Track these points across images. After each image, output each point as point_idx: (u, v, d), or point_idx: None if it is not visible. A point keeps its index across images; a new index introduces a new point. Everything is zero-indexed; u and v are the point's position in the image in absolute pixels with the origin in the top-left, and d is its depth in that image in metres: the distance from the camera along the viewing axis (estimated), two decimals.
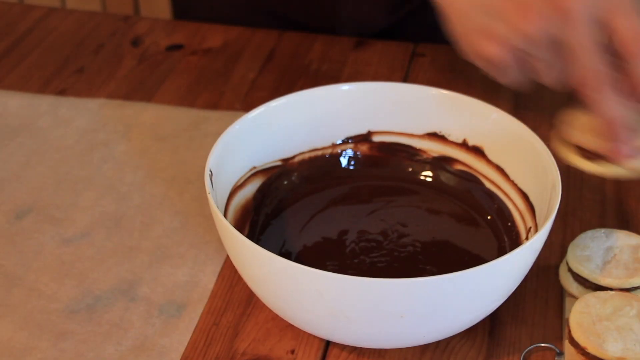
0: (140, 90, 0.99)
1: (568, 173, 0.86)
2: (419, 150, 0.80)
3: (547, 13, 0.58)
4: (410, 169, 0.80)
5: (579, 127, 0.66)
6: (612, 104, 0.60)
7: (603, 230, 0.72)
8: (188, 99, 0.97)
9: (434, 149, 0.80)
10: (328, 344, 0.69)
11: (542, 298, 0.72)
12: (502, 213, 0.75)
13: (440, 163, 0.80)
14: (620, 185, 0.85)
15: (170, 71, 1.02)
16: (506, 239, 0.74)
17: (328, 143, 0.81)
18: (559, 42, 0.59)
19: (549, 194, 0.68)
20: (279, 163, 0.79)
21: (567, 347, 0.65)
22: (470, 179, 0.78)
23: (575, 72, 0.59)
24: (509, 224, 0.74)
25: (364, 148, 0.81)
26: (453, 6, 0.61)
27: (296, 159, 0.80)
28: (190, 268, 0.75)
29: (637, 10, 0.59)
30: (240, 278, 0.73)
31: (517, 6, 0.58)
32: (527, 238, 0.71)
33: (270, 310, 0.70)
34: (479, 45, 0.59)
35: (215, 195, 0.68)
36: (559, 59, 0.60)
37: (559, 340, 0.69)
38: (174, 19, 1.15)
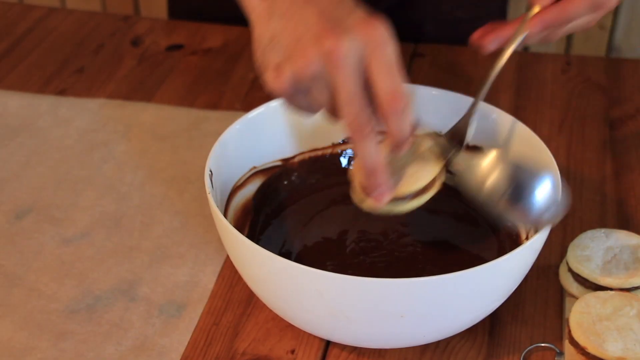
0: (140, 90, 0.99)
1: (568, 173, 0.86)
2: None
3: (318, 55, 0.60)
4: None
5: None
6: (367, 150, 0.62)
7: (603, 230, 0.72)
8: (188, 99, 0.97)
9: None
10: (328, 344, 0.69)
11: (542, 298, 0.72)
12: None
13: None
14: (620, 185, 0.85)
15: (170, 71, 1.02)
16: (506, 239, 0.74)
17: (328, 143, 0.81)
18: (329, 83, 0.61)
19: None
20: (279, 163, 0.79)
21: (567, 347, 0.65)
22: None
23: (341, 114, 0.62)
24: (509, 223, 0.74)
25: None
26: (256, 37, 0.65)
27: (296, 159, 0.80)
28: (190, 268, 0.75)
29: (398, 63, 0.61)
30: (240, 278, 0.73)
31: (296, 44, 0.61)
32: (527, 238, 0.71)
33: (270, 310, 0.70)
34: (268, 77, 0.63)
35: (215, 195, 0.68)
36: (331, 98, 0.62)
37: (559, 340, 0.69)
38: (170, 18, 1.15)
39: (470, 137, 0.70)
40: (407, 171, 0.68)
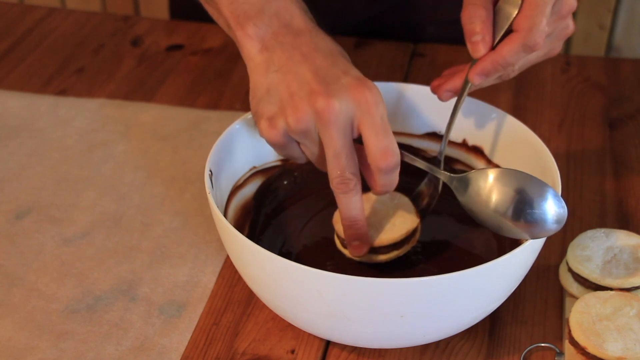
0: (140, 90, 0.99)
1: (568, 173, 0.86)
2: (419, 150, 0.80)
3: (310, 112, 0.63)
4: (410, 169, 0.80)
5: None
6: (348, 205, 0.66)
7: (603, 230, 0.72)
8: (188, 99, 0.97)
9: (434, 148, 0.80)
10: (328, 344, 0.69)
11: (542, 298, 0.72)
12: None
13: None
14: (620, 185, 0.85)
15: (170, 71, 1.02)
16: (506, 239, 0.74)
17: None
18: (319, 139, 0.65)
19: None
20: (279, 163, 0.79)
21: (567, 347, 0.65)
22: None
23: (327, 169, 0.65)
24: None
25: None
26: (252, 86, 0.68)
27: None
28: (190, 268, 0.75)
29: (388, 123, 0.64)
30: (240, 278, 0.73)
31: (290, 98, 0.64)
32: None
33: (270, 310, 0.70)
34: (262, 126, 0.66)
35: (215, 195, 0.68)
36: (320, 152, 0.66)
37: (559, 340, 0.69)
38: (171, 18, 1.15)
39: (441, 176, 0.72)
40: (387, 222, 0.71)
